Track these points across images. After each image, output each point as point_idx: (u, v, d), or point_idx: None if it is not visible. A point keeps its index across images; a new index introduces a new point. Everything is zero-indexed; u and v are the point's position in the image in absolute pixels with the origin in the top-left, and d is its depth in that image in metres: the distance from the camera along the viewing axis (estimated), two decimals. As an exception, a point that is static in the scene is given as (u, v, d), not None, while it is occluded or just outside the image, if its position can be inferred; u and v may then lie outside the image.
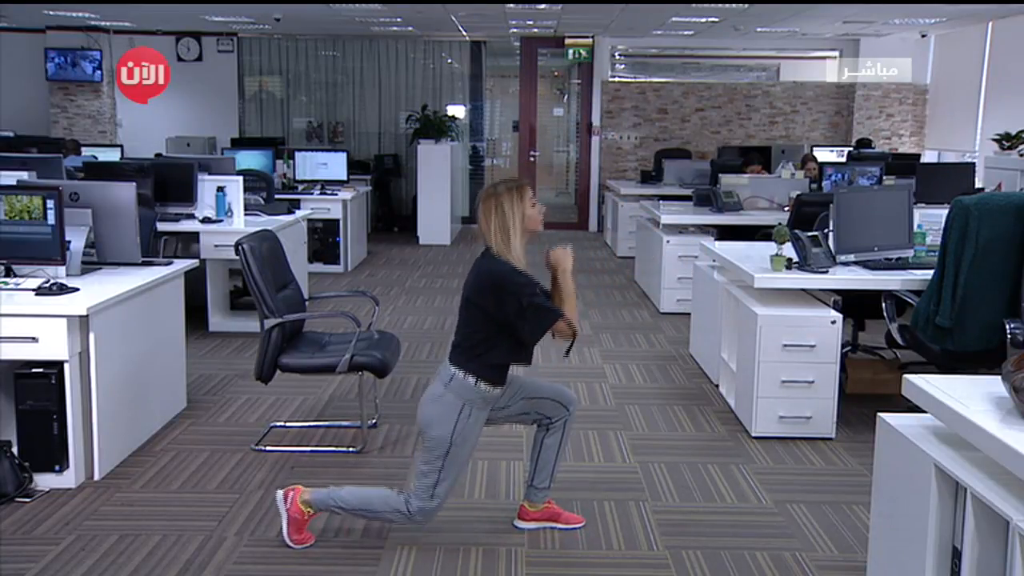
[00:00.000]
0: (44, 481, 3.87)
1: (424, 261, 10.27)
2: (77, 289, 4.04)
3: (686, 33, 12.19)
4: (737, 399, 4.95)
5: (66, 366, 3.81)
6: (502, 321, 3.22)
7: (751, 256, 5.06)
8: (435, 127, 11.80)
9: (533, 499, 3.60)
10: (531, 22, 11.61)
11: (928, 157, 11.83)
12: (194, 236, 6.41)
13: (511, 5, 9.85)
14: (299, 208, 8.18)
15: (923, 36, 12.13)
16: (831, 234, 4.76)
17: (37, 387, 3.82)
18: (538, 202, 3.33)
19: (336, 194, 9.29)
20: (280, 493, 3.44)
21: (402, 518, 3.33)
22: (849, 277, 4.61)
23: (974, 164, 8.78)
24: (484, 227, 3.29)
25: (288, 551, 3.40)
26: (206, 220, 6.50)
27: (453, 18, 11.12)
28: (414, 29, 12.30)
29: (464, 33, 12.73)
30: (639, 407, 5.14)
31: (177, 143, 11.87)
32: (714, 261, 5.62)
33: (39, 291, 3.97)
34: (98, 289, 4.08)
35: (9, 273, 4.23)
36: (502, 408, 3.44)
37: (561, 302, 3.30)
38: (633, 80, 13.26)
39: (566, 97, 14.08)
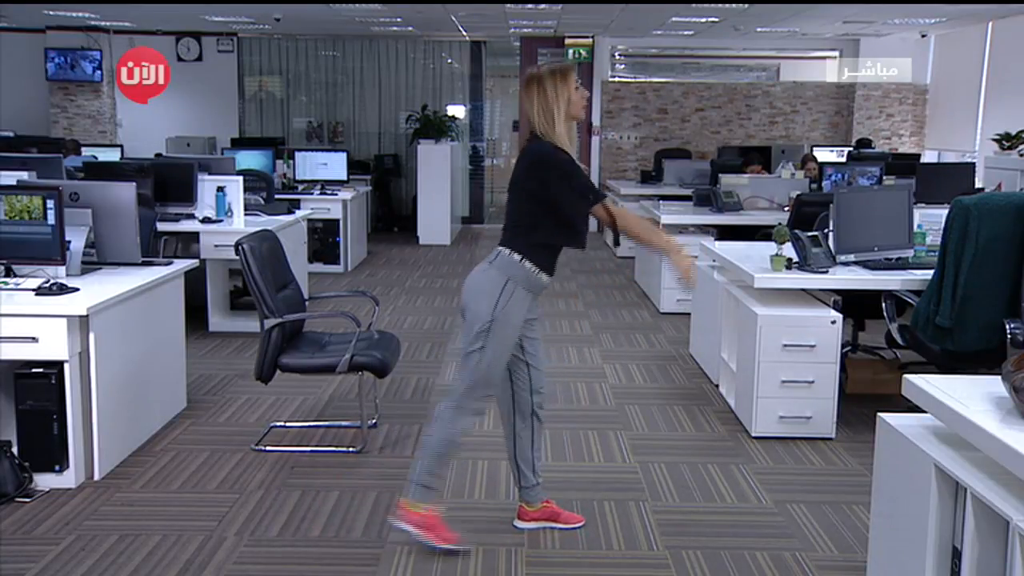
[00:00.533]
0: (44, 481, 3.87)
1: (424, 261, 10.28)
2: (77, 289, 4.04)
3: (686, 33, 12.19)
4: (737, 399, 4.95)
5: (66, 366, 3.81)
6: (548, 200, 3.20)
7: (751, 256, 5.06)
8: (435, 127, 11.80)
9: (528, 499, 3.57)
10: (531, 22, 11.61)
11: (928, 157, 11.84)
12: (194, 236, 6.41)
13: (511, 5, 9.85)
14: (299, 208, 8.18)
15: (923, 36, 12.13)
16: (831, 234, 4.76)
17: (37, 387, 3.82)
18: (581, 87, 3.28)
19: (336, 194, 9.29)
20: (396, 523, 3.41)
21: (468, 414, 3.35)
22: (849, 277, 4.61)
23: (974, 164, 8.78)
24: (527, 110, 3.26)
25: (289, 551, 3.40)
26: (206, 220, 6.50)
27: (453, 18, 11.12)
28: (414, 29, 12.30)
29: (464, 33, 12.73)
30: (639, 407, 5.14)
31: (177, 143, 11.87)
32: (714, 261, 5.61)
33: (39, 291, 3.97)
34: (98, 289, 4.08)
35: (9, 273, 4.23)
36: (527, 329, 3.40)
37: (639, 220, 3.31)
38: (633, 80, 13.26)
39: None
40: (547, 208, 3.23)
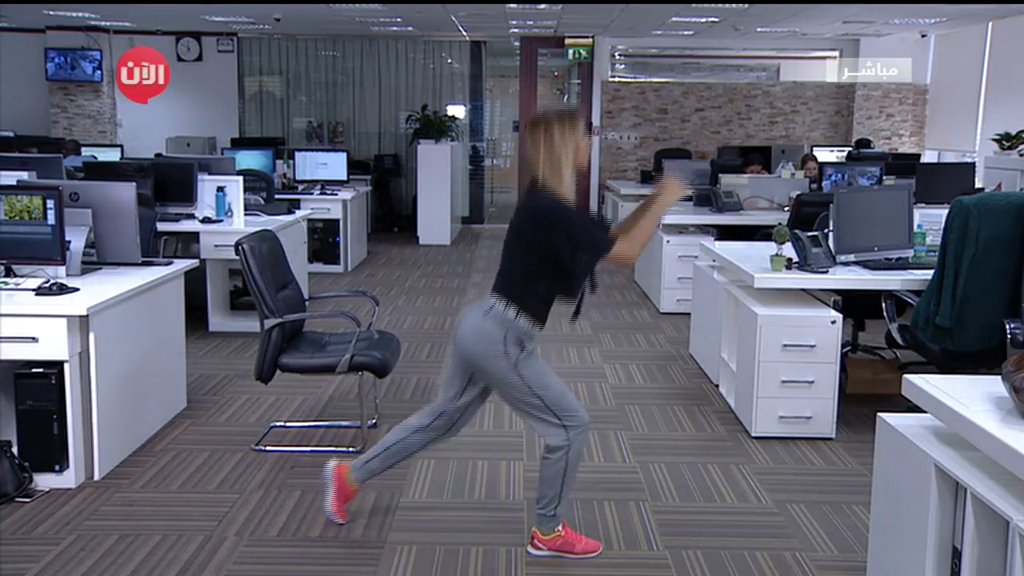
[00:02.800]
0: (44, 481, 3.87)
1: (424, 261, 10.27)
2: (77, 289, 4.04)
3: (686, 33, 12.19)
4: (737, 399, 4.95)
5: (66, 366, 3.81)
6: (551, 255, 3.08)
7: (751, 256, 5.06)
8: (435, 127, 11.80)
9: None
10: (531, 22, 11.61)
11: (928, 157, 11.83)
12: (194, 236, 6.41)
13: (511, 5, 9.85)
14: (299, 208, 8.18)
15: (923, 36, 12.13)
16: (831, 234, 4.76)
17: (37, 387, 3.82)
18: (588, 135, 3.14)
19: (336, 194, 9.29)
20: (534, 551, 3.37)
21: (579, 428, 3.24)
22: (849, 277, 4.61)
23: (974, 164, 8.78)
24: (532, 157, 3.10)
25: (289, 551, 3.40)
26: (206, 220, 6.50)
27: (453, 18, 11.11)
28: (414, 29, 12.30)
29: (464, 33, 12.73)
30: (639, 407, 5.14)
31: (177, 143, 11.87)
32: (714, 261, 5.62)
33: (39, 291, 3.97)
34: (98, 289, 4.08)
35: (9, 273, 4.23)
36: None
37: (635, 225, 3.12)
38: (633, 80, 13.26)
39: (566, 97, 14.08)
40: (549, 263, 3.12)
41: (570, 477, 3.29)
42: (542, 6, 9.94)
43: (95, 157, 8.65)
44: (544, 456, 3.30)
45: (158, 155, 9.31)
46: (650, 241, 3.24)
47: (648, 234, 3.16)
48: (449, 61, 13.30)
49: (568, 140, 3.09)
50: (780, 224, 4.88)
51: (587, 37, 12.70)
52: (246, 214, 6.62)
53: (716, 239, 6.49)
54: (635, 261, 3.13)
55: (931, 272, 4.26)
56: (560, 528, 3.38)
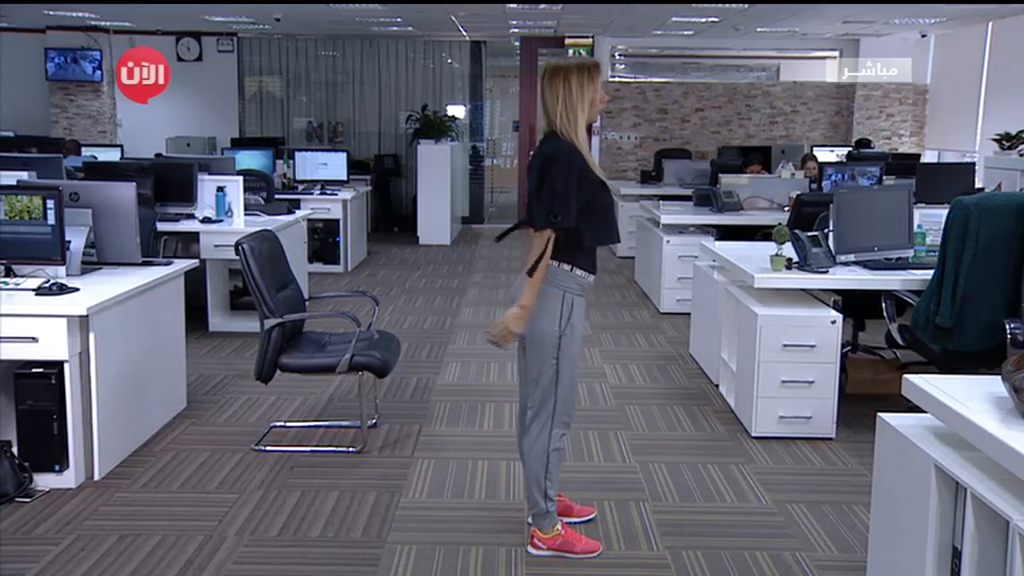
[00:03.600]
0: (44, 481, 3.87)
1: (424, 261, 10.27)
2: (77, 289, 4.04)
3: (686, 33, 12.19)
4: (737, 399, 4.95)
5: (66, 366, 3.81)
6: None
7: (751, 256, 5.06)
8: (435, 127, 11.80)
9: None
10: (531, 22, 11.61)
11: (928, 157, 11.84)
12: (194, 236, 6.41)
13: (511, 5, 9.85)
14: (299, 208, 8.18)
15: (923, 36, 12.13)
16: (831, 234, 4.76)
17: (37, 387, 3.82)
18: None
19: (336, 194, 9.29)
20: (534, 551, 3.37)
21: (559, 426, 3.25)
22: (849, 277, 4.61)
23: (974, 164, 8.78)
24: (550, 104, 3.10)
25: (289, 551, 3.40)
26: (206, 220, 6.50)
27: (453, 18, 11.12)
28: (414, 29, 12.30)
29: (464, 33, 12.73)
30: (639, 407, 5.14)
31: (177, 143, 11.88)
32: (714, 261, 5.62)
33: (39, 291, 3.97)
34: (98, 289, 4.08)
35: (9, 273, 4.23)
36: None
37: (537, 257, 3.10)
38: (633, 80, 13.26)
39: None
40: (584, 208, 3.11)
41: (546, 473, 3.29)
42: (542, 6, 9.95)
43: (95, 157, 8.65)
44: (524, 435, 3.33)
45: (158, 155, 9.31)
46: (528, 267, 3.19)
47: (531, 264, 3.11)
48: (449, 61, 13.31)
49: (587, 91, 3.10)
50: (780, 224, 4.88)
51: (587, 37, 12.71)
52: (246, 214, 6.62)
53: (716, 239, 6.49)
54: (534, 249, 3.13)
55: (931, 272, 4.26)
56: (560, 527, 3.38)
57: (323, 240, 9.27)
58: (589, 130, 3.34)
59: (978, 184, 8.31)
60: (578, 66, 3.12)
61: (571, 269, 3.18)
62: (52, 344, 3.77)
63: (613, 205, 3.26)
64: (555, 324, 3.18)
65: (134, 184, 4.68)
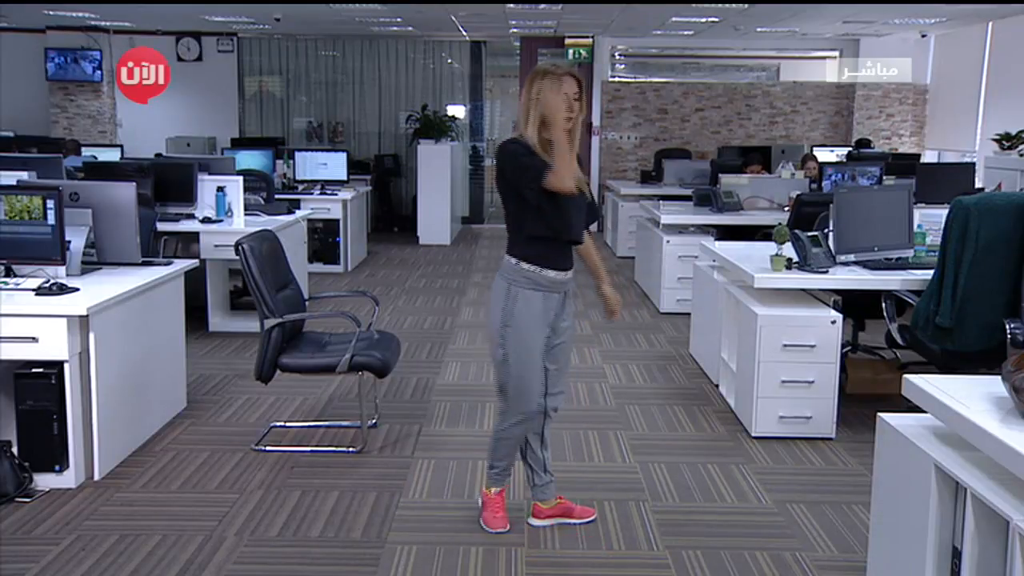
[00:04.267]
0: (44, 481, 3.87)
1: (424, 261, 10.27)
2: (77, 289, 4.04)
3: (686, 33, 12.19)
4: (737, 399, 4.95)
5: (66, 366, 3.81)
6: (518, 192, 3.24)
7: (751, 256, 5.06)
8: (435, 127, 11.80)
9: (542, 496, 3.64)
10: (531, 22, 11.61)
11: (928, 157, 11.84)
12: (194, 236, 6.41)
13: (511, 5, 9.85)
14: (299, 208, 8.18)
15: (923, 36, 12.13)
16: (831, 234, 4.76)
17: (37, 387, 3.82)
18: (578, 100, 3.22)
19: (336, 194, 9.29)
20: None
21: (520, 417, 3.45)
22: (849, 277, 4.61)
23: (974, 164, 8.78)
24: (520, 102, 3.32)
25: (289, 551, 3.40)
26: (206, 220, 6.50)
27: (453, 18, 11.12)
28: (414, 29, 12.30)
29: (464, 33, 12.73)
30: (639, 407, 5.14)
31: (177, 143, 11.88)
32: (714, 261, 5.62)
33: (39, 291, 3.97)
34: (98, 289, 4.08)
35: (9, 273, 4.23)
36: (553, 336, 3.43)
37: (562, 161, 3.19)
38: (633, 80, 13.26)
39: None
40: (522, 200, 3.25)
41: (493, 447, 3.59)
42: (542, 6, 9.95)
43: (95, 157, 8.65)
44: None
45: (158, 155, 9.31)
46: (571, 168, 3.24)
47: (566, 163, 3.17)
48: (449, 61, 13.31)
49: (547, 97, 3.19)
50: (780, 224, 4.88)
51: (587, 37, 12.71)
52: (246, 214, 6.62)
53: (716, 239, 6.49)
54: (566, 191, 3.17)
55: (931, 272, 4.26)
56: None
57: (323, 240, 9.27)
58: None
59: (978, 184, 8.31)
60: (543, 70, 3.26)
61: (516, 263, 3.32)
62: (52, 344, 3.77)
63: (564, 198, 3.23)
64: (497, 314, 3.35)
65: (134, 184, 4.68)
